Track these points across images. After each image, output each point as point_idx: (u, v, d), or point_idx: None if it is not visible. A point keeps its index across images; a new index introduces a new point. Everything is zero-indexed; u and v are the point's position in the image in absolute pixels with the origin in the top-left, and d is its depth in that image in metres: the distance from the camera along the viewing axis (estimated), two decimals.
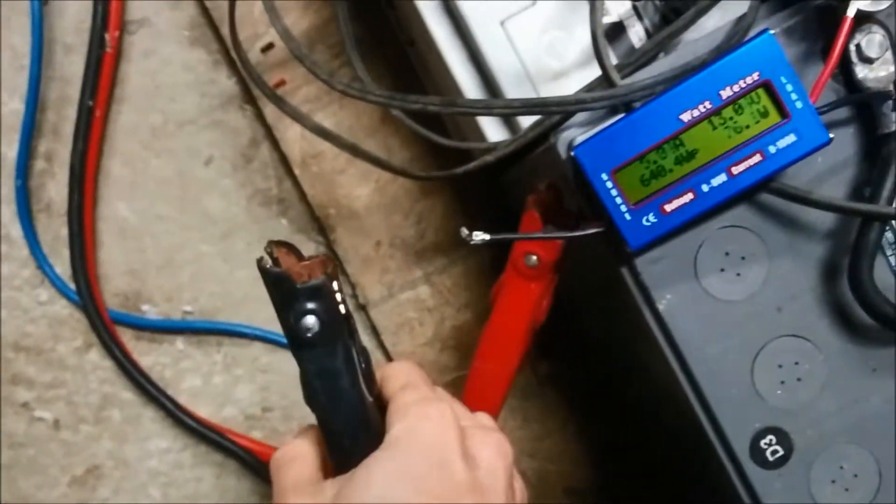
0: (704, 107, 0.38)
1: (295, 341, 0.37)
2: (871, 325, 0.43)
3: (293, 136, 0.67)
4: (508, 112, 0.41)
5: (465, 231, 0.41)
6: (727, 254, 0.43)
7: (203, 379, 0.70)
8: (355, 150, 0.56)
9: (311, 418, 0.40)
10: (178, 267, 0.70)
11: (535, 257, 0.45)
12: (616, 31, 0.51)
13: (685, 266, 0.43)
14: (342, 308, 0.37)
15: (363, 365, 0.38)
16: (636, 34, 0.49)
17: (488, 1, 0.49)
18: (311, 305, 0.36)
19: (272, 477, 0.39)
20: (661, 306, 0.43)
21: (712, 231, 0.43)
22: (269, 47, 0.65)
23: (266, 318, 0.69)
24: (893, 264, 0.44)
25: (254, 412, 0.70)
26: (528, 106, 0.41)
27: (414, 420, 0.37)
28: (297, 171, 0.68)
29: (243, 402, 0.70)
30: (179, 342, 0.70)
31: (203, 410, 0.70)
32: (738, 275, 0.43)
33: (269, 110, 0.66)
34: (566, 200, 0.45)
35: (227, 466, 0.69)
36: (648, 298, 0.43)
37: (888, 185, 0.40)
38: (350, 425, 0.37)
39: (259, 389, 0.70)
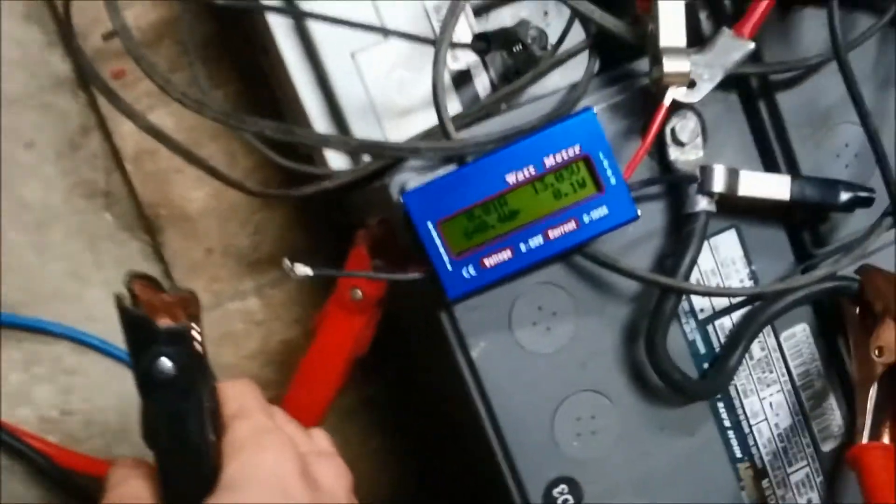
0: (529, 171, 0.42)
1: (145, 382, 0.36)
2: (662, 388, 0.49)
3: (129, 129, 0.66)
4: (344, 148, 0.44)
5: (287, 264, 0.43)
6: (540, 308, 0.47)
7: None
8: (189, 156, 0.56)
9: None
10: None
11: (359, 292, 0.48)
12: (463, 78, 0.54)
13: (500, 316, 0.47)
14: (199, 349, 0.37)
15: (211, 404, 0.38)
16: (482, 83, 0.53)
17: (340, 31, 0.51)
18: (168, 349, 0.35)
19: (104, 490, 0.37)
20: (474, 353, 0.47)
21: (528, 286, 0.47)
22: (112, 35, 0.64)
23: (76, 317, 0.68)
24: (687, 332, 0.50)
25: (51, 415, 0.68)
26: (364, 146, 0.43)
27: (249, 456, 0.37)
28: (128, 167, 0.67)
29: (40, 403, 0.68)
30: None
31: None
32: (549, 329, 0.47)
33: (104, 99, 0.65)
34: (399, 236, 0.48)
35: (14, 471, 0.67)
36: (463, 344, 0.47)
37: (686, 261, 0.46)
38: (191, 469, 0.37)
39: (60, 391, 0.69)
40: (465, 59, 0.54)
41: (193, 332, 0.37)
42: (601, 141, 0.42)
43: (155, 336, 0.35)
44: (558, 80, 0.51)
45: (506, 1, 0.54)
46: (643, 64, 0.48)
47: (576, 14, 0.46)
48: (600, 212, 0.43)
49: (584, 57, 0.49)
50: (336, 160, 0.56)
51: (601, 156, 0.42)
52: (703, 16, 0.49)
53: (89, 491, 0.64)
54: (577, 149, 0.42)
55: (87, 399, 0.68)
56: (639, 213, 0.43)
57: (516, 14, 0.54)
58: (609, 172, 0.43)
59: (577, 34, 0.49)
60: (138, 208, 0.68)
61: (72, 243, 0.68)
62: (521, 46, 0.52)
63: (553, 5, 0.56)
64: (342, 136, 0.45)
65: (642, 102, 0.47)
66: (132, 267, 0.67)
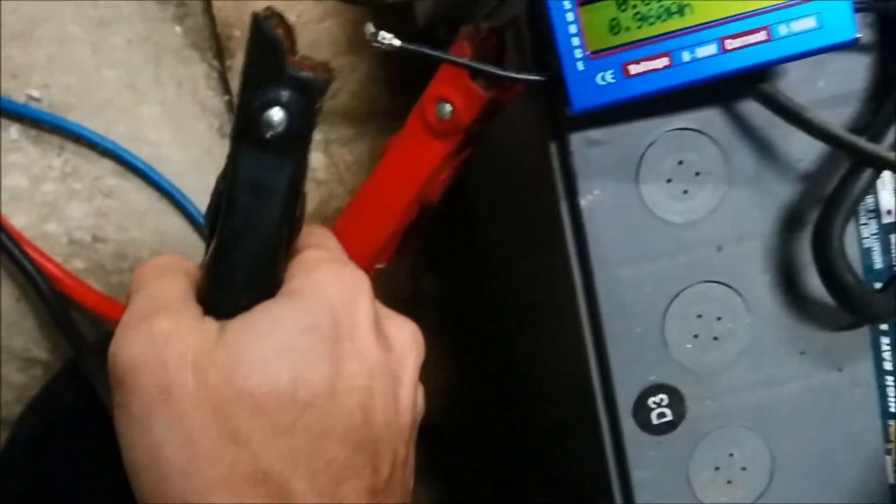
0: None
1: (244, 132, 0.28)
2: (816, 299, 0.35)
3: None
4: None
5: (370, 28, 0.31)
6: (680, 163, 0.34)
7: (32, 182, 0.58)
8: None
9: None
10: (36, 42, 0.57)
11: (449, 107, 0.35)
12: None
13: (628, 161, 0.34)
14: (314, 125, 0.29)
15: (298, 210, 0.30)
16: None
17: None
18: (289, 98, 0.27)
19: (133, 287, 0.30)
20: (583, 201, 0.34)
21: (671, 129, 0.34)
22: None
23: (126, 134, 0.58)
24: (864, 236, 0.36)
25: (82, 238, 0.58)
26: None
27: (324, 277, 0.29)
28: None
29: (72, 222, 0.58)
30: (14, 130, 0.57)
31: (19, 219, 0.57)
32: (686, 192, 0.34)
33: None
34: (507, 60, 0.35)
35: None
36: (572, 188, 0.34)
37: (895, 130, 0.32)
38: (256, 260, 0.29)
39: (95, 213, 0.58)
40: None
41: (322, 95, 0.28)
42: None
43: (282, 73, 0.27)
44: None
45: None
46: None
47: None
48: (806, 23, 0.29)
49: None
50: None
51: None
52: None
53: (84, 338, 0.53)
54: None
55: (121, 228, 0.58)
56: (859, 34, 0.30)
57: None
58: None
59: None
60: (211, 26, 0.57)
61: (134, 51, 0.57)
62: None
63: None
64: None
65: None
66: (194, 91, 0.58)
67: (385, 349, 0.29)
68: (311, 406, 0.26)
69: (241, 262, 0.29)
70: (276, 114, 0.27)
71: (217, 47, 0.58)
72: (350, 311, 0.29)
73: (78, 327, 0.53)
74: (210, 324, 0.28)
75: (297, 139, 0.28)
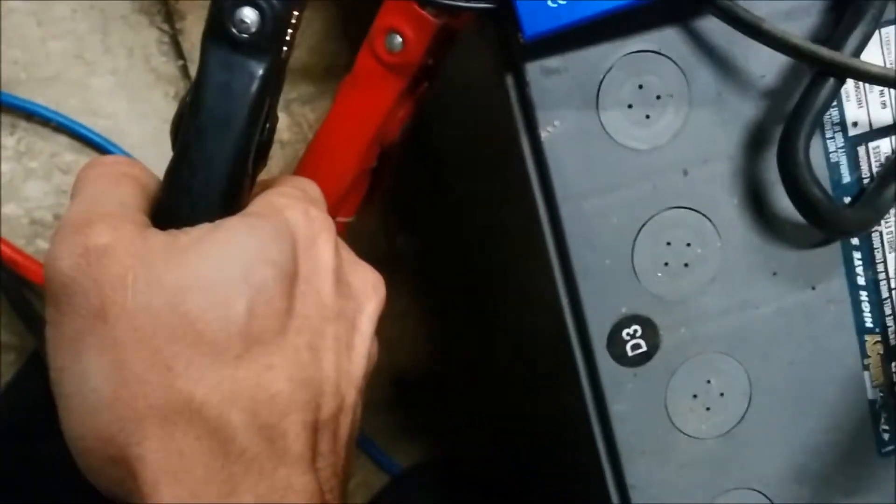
0: None
1: (215, 30, 0.27)
2: (786, 218, 0.34)
3: None
4: None
5: None
6: (640, 87, 0.33)
7: None
8: None
9: None
10: None
11: (399, 38, 0.34)
12: None
13: (586, 89, 0.33)
14: (286, 45, 0.28)
15: (266, 129, 0.29)
16: None
17: None
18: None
19: (73, 190, 0.27)
20: (543, 133, 0.33)
21: (629, 53, 0.33)
22: None
23: (79, 107, 0.56)
24: (831, 150, 0.35)
25: (42, 217, 0.57)
26: None
27: (291, 212, 0.28)
28: None
29: (32, 202, 0.57)
30: None
31: None
32: (648, 117, 0.33)
33: None
34: None
35: None
36: (531, 120, 0.33)
37: (857, 36, 0.31)
38: (219, 165, 0.27)
39: (55, 191, 0.57)
40: None
41: (295, 11, 0.28)
42: None
43: None
44: None
45: None
46: None
47: None
48: None
49: None
50: None
51: None
52: None
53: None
54: None
55: None
56: None
57: None
58: None
59: None
60: None
61: (80, 20, 0.55)
62: None
63: None
64: None
65: None
66: (146, 58, 0.57)
67: (343, 296, 0.28)
68: (259, 341, 0.25)
69: (200, 167, 0.27)
70: (249, 13, 0.27)
71: (166, 10, 0.56)
72: (312, 251, 0.27)
73: (38, 311, 0.52)
74: (157, 237, 0.25)
75: (269, 43, 0.27)
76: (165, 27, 0.57)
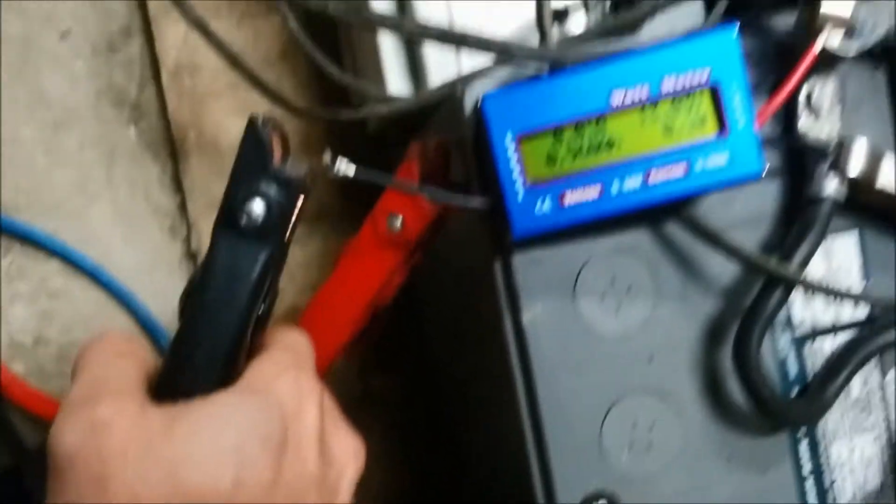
0: (641, 93, 0.33)
1: (226, 219, 0.30)
2: (740, 407, 0.38)
3: (174, 39, 0.58)
4: (420, 32, 0.34)
5: (327, 156, 0.33)
6: (613, 279, 0.37)
7: None
8: (234, 60, 0.47)
9: None
10: None
11: (399, 220, 0.38)
12: (559, 19, 0.45)
13: (565, 279, 0.37)
14: (291, 228, 0.32)
15: (266, 303, 0.32)
16: (577, 25, 0.44)
17: None
18: (270, 192, 0.30)
19: (78, 366, 0.29)
20: (525, 317, 0.36)
21: (604, 249, 0.37)
22: None
23: (75, 235, 0.59)
24: (780, 347, 0.39)
25: (23, 340, 0.59)
26: (444, 35, 0.34)
27: (282, 382, 0.30)
28: (164, 79, 0.58)
29: (14, 325, 0.58)
30: None
31: None
32: (619, 307, 0.37)
33: (154, 2, 0.57)
34: (453, 170, 0.38)
35: None
36: (515, 304, 0.36)
37: (803, 251, 0.36)
38: (218, 343, 0.30)
39: (39, 315, 0.59)
40: None
41: (302, 196, 0.31)
42: (738, 69, 0.32)
43: (266, 170, 0.30)
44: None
45: None
46: (781, 20, 0.38)
47: None
48: (718, 159, 0.33)
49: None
50: (396, 83, 0.47)
51: (734, 88, 0.32)
52: None
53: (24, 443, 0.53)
54: (705, 74, 0.32)
55: (66, 330, 0.59)
56: (766, 167, 0.33)
57: None
58: (739, 112, 0.33)
59: None
60: (166, 128, 0.59)
61: (87, 153, 0.59)
62: None
63: None
64: (420, 21, 0.36)
65: (777, 55, 0.37)
66: (146, 192, 0.60)
67: (326, 462, 0.30)
68: None
69: (203, 341, 0.30)
70: (258, 205, 0.30)
71: (171, 149, 0.60)
72: (300, 420, 0.30)
73: (16, 431, 0.53)
74: (156, 413, 0.28)
75: (274, 231, 0.31)
76: (169, 164, 0.61)
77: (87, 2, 0.58)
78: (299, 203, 0.32)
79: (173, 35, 0.58)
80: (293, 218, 0.32)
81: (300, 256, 0.62)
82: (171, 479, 0.26)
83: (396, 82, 0.46)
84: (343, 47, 0.55)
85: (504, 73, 0.36)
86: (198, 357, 0.30)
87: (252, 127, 0.31)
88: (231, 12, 0.59)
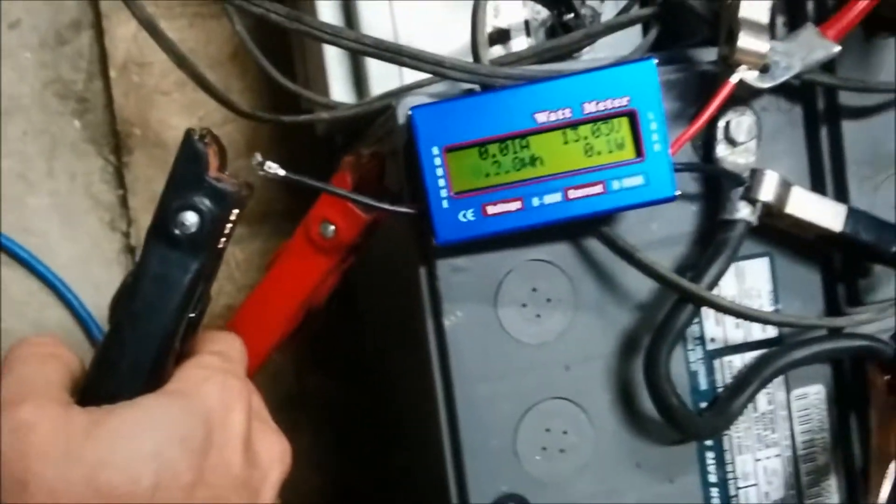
0: (563, 114, 0.35)
1: (159, 229, 0.31)
2: (650, 417, 0.40)
3: (123, 35, 0.59)
4: (356, 47, 0.36)
5: (258, 157, 0.35)
6: (534, 290, 0.39)
7: None
8: (182, 61, 0.48)
9: None
10: None
11: (332, 227, 0.39)
12: (501, 38, 0.48)
13: (487, 287, 0.38)
14: (224, 239, 0.33)
15: (197, 310, 0.33)
16: (520, 46, 0.46)
17: None
18: (204, 204, 0.31)
19: (5, 367, 0.30)
20: (447, 322, 0.38)
21: (527, 260, 0.39)
22: None
23: (13, 223, 0.59)
24: (692, 361, 0.41)
25: None
26: (380, 48, 0.36)
27: (209, 385, 0.31)
28: (112, 74, 0.59)
29: None
30: None
31: None
32: (539, 316, 0.39)
33: None
34: (389, 178, 0.40)
35: None
36: (437, 309, 0.38)
37: (713, 271, 0.38)
38: (145, 348, 0.31)
39: None
40: (507, 17, 0.47)
41: (235, 210, 0.32)
42: (655, 98, 0.35)
43: (200, 182, 0.31)
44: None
45: None
46: (707, 53, 0.41)
47: None
48: (634, 181, 0.35)
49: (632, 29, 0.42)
50: (340, 92, 0.48)
51: (650, 116, 0.35)
52: (779, 21, 0.42)
53: None
54: (624, 101, 0.35)
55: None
56: (677, 192, 0.36)
57: None
58: (655, 137, 0.35)
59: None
60: (111, 122, 0.60)
61: (29, 142, 0.60)
62: (572, 15, 0.45)
63: None
64: (356, 32, 0.37)
65: (699, 88, 0.40)
66: (87, 184, 0.61)
67: (250, 465, 0.31)
68: None
69: (129, 347, 0.31)
70: (190, 216, 0.31)
71: (115, 143, 0.61)
72: (225, 423, 0.31)
73: None
74: (79, 416, 0.28)
75: (206, 242, 0.32)
76: (112, 158, 0.61)
77: None
78: (233, 215, 0.33)
79: (123, 31, 0.59)
80: (226, 229, 0.33)
81: (240, 257, 0.63)
82: (91, 480, 0.27)
83: (340, 90, 0.48)
84: (295, 52, 0.56)
85: (440, 88, 0.38)
86: (124, 362, 0.31)
87: (188, 139, 0.32)
88: (183, 13, 0.60)
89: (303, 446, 0.63)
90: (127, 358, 0.31)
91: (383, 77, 0.46)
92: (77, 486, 0.27)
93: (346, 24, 0.47)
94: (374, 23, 0.46)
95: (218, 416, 0.30)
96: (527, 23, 0.47)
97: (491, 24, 0.47)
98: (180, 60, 0.49)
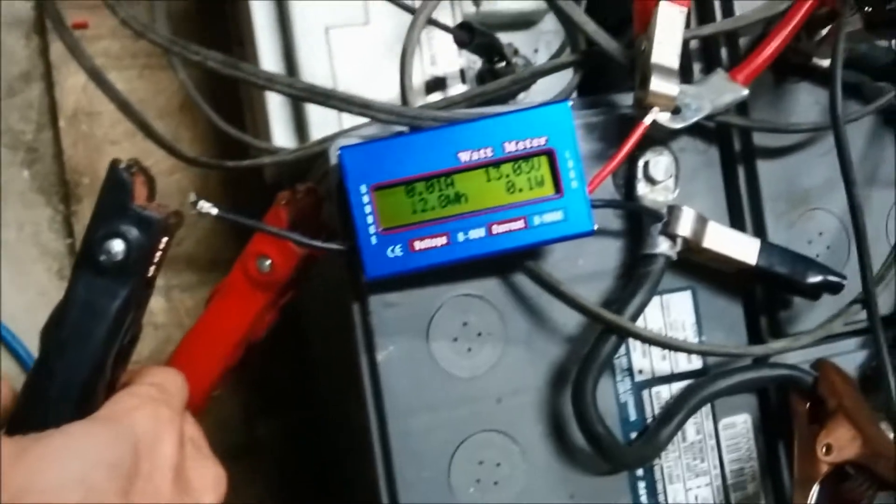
0: (485, 153, 0.37)
1: (85, 257, 0.32)
2: (582, 448, 0.41)
3: (73, 86, 0.61)
4: (289, 91, 0.38)
5: (192, 196, 0.36)
6: (465, 324, 0.40)
7: None
8: (126, 108, 0.50)
9: None
10: None
11: (269, 262, 0.41)
12: (438, 85, 0.50)
13: (419, 322, 0.40)
14: (153, 267, 0.33)
15: (128, 337, 0.34)
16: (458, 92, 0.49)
17: (320, 3, 0.47)
18: (130, 233, 0.32)
19: None
20: (380, 356, 0.39)
21: (457, 295, 0.40)
22: None
23: None
24: (621, 392, 0.43)
25: None
26: (311, 91, 0.38)
27: (139, 413, 0.31)
28: (62, 123, 0.61)
29: None
30: None
31: None
32: (470, 350, 0.40)
33: (56, 48, 0.60)
34: (326, 215, 0.42)
35: None
36: (370, 343, 0.39)
37: (636, 302, 0.40)
38: (73, 376, 0.32)
39: None
40: (444, 66, 0.50)
41: (163, 238, 0.33)
42: (570, 138, 0.37)
43: (125, 210, 0.32)
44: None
45: (501, 27, 0.50)
46: (627, 98, 0.43)
47: (568, 23, 0.42)
48: (554, 216, 0.37)
49: (567, 78, 0.45)
50: (282, 137, 0.50)
51: (567, 154, 0.37)
52: (696, 68, 0.45)
53: None
54: (542, 141, 0.37)
55: None
56: (595, 227, 0.38)
57: (507, 40, 0.50)
58: (572, 175, 0.37)
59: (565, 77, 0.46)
60: (60, 172, 0.61)
61: None
62: (504, 63, 0.48)
63: (544, 44, 0.53)
64: (289, 77, 0.39)
65: (619, 129, 0.42)
66: (35, 233, 0.61)
67: (181, 492, 0.32)
68: None
69: (58, 375, 0.31)
70: (117, 244, 0.32)
71: (64, 192, 0.62)
72: (153, 451, 0.31)
73: None
74: (7, 445, 0.28)
75: (132, 269, 0.32)
76: (61, 207, 0.62)
77: None
78: (162, 243, 0.33)
79: (73, 82, 0.60)
80: (155, 257, 0.33)
81: (189, 304, 0.63)
82: None
83: (282, 136, 0.50)
84: (244, 103, 0.58)
85: (373, 131, 0.40)
86: (52, 390, 0.32)
87: (113, 169, 0.33)
88: (133, 64, 0.62)
89: (256, 494, 0.63)
90: (55, 386, 0.31)
91: (323, 123, 0.48)
92: None
93: (287, 72, 0.50)
94: (315, 71, 0.48)
95: (146, 444, 0.31)
96: (462, 71, 0.50)
97: (429, 72, 0.49)
98: (125, 107, 0.51)
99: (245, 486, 0.63)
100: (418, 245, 0.37)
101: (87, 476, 0.29)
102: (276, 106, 0.50)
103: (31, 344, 0.60)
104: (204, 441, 0.36)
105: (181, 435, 0.33)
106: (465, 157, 0.37)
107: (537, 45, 0.53)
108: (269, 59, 0.49)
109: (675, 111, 0.39)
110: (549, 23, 0.53)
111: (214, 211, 0.36)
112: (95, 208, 0.32)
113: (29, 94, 0.62)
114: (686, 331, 0.44)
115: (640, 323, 0.41)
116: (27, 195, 0.61)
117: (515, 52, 0.50)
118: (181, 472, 0.32)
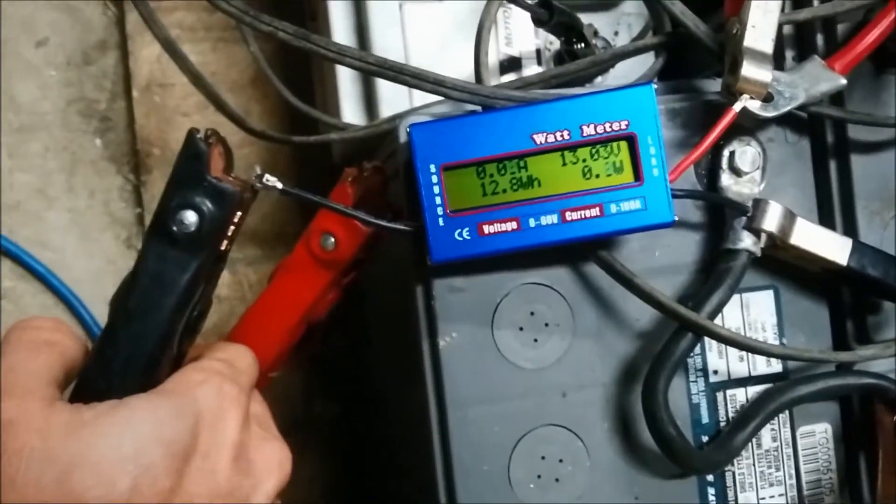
0: (561, 135, 0.35)
1: (158, 227, 0.32)
2: (649, 448, 0.40)
3: (147, 56, 0.61)
4: (360, 65, 0.37)
5: (257, 170, 0.36)
6: (532, 314, 0.39)
7: None
8: (198, 80, 0.50)
9: None
10: None
11: (333, 239, 0.40)
12: (512, 66, 0.49)
13: (484, 309, 0.39)
14: (226, 241, 0.33)
15: (197, 310, 0.34)
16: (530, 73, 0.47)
17: None
18: (204, 204, 0.32)
19: (1, 347, 0.30)
20: (442, 342, 0.38)
21: (525, 283, 0.39)
22: None
23: (30, 238, 0.61)
24: (693, 393, 0.41)
25: None
26: (382, 66, 0.37)
27: (204, 388, 0.31)
28: (135, 94, 0.61)
29: None
30: None
31: None
32: (536, 340, 0.39)
33: (132, 18, 0.61)
34: (393, 197, 0.41)
35: None
36: (433, 329, 0.38)
37: (715, 300, 0.38)
38: (140, 346, 0.32)
39: None
40: (519, 46, 0.48)
41: (238, 211, 0.33)
42: (654, 123, 0.35)
43: (201, 181, 0.32)
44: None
45: (581, 8, 0.49)
46: (713, 84, 0.41)
47: (653, 4, 0.41)
48: (632, 205, 0.36)
49: (645, 63, 0.43)
50: (351, 114, 0.49)
51: (649, 140, 0.35)
52: (789, 55, 0.43)
53: None
54: (623, 124, 0.35)
55: None
56: (675, 218, 0.36)
57: (587, 21, 0.48)
58: (653, 162, 0.35)
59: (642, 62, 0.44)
60: (132, 142, 0.62)
61: (50, 159, 0.62)
62: (583, 45, 0.46)
63: (625, 27, 0.51)
64: (360, 51, 0.39)
65: (703, 116, 0.40)
66: (105, 202, 0.62)
67: (241, 473, 0.31)
68: None
69: (123, 345, 0.31)
70: (190, 215, 0.32)
71: (135, 162, 0.63)
72: (215, 428, 0.30)
73: None
74: (60, 413, 0.28)
75: (204, 242, 0.32)
76: (131, 177, 0.63)
77: (65, 13, 0.61)
78: (236, 217, 0.33)
79: (148, 52, 0.61)
80: (228, 230, 0.33)
81: (253, 278, 0.64)
82: (63, 482, 0.27)
83: (351, 112, 0.49)
84: (315, 77, 0.58)
85: (444, 109, 0.39)
86: (117, 360, 0.31)
87: (190, 138, 0.32)
88: (207, 37, 0.62)
89: (310, 471, 0.64)
90: (121, 355, 0.31)
91: (393, 100, 0.47)
92: (48, 488, 0.27)
93: (359, 47, 0.49)
94: (387, 45, 0.47)
95: (208, 420, 0.30)
96: (538, 52, 0.49)
97: (504, 52, 0.48)
98: (196, 80, 0.51)
99: (301, 461, 0.63)
100: (487, 229, 0.36)
101: (142, 453, 0.28)
102: (346, 81, 0.49)
103: (98, 312, 0.61)
104: (271, 421, 0.36)
105: (246, 413, 0.33)
106: (539, 139, 0.35)
107: (617, 27, 0.51)
108: (341, 33, 0.48)
109: (767, 99, 0.37)
110: (631, 5, 0.51)
111: (279, 185, 0.36)
112: (171, 177, 0.32)
113: (104, 64, 0.63)
114: (766, 332, 0.42)
115: (717, 321, 0.39)
116: (99, 163, 0.62)
117: (595, 33, 0.48)
118: (243, 452, 0.32)
